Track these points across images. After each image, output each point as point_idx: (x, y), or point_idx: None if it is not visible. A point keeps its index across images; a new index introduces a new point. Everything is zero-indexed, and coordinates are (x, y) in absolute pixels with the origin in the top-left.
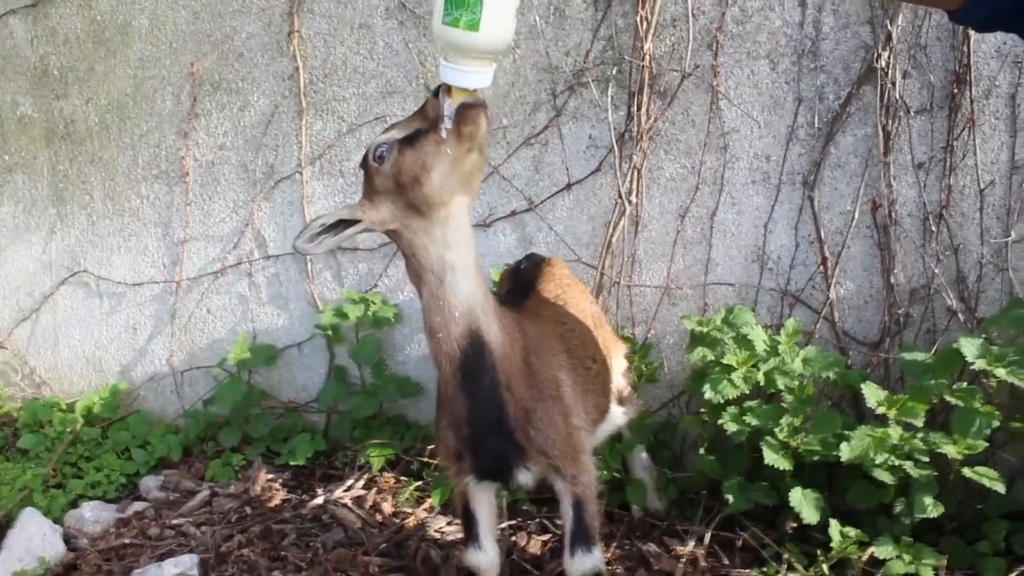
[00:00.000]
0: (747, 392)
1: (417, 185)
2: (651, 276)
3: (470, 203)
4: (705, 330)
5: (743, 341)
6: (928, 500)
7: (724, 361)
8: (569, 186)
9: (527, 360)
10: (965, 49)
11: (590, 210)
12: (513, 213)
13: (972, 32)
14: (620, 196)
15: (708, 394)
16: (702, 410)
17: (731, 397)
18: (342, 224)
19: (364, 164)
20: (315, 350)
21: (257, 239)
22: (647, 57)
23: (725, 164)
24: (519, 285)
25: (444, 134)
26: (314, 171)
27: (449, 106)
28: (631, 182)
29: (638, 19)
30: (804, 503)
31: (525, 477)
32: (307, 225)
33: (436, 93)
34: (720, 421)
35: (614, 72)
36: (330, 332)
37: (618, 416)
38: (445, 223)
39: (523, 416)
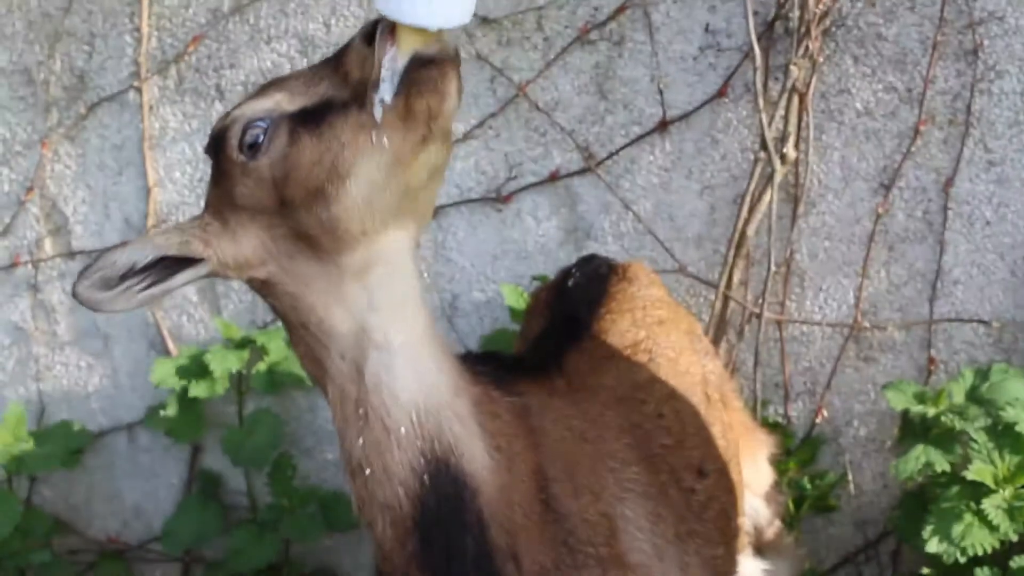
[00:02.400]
0: (1014, 540)
1: (320, 202)
2: (824, 303)
3: (416, 234)
4: (931, 412)
5: (1009, 435)
6: None
7: (968, 476)
8: (664, 125)
9: (545, 492)
10: None
11: (704, 172)
12: (554, 177)
13: None
14: (764, 146)
15: (934, 545)
16: (925, 572)
17: (984, 550)
18: (166, 264)
19: (215, 150)
20: (162, 439)
21: (51, 217)
22: None
23: (974, 84)
24: (564, 319)
25: (378, 112)
26: (165, 87)
27: (391, 61)
28: (786, 118)
29: None
30: None
31: None
32: (98, 259)
33: (367, 36)
34: None
35: None
36: (170, 410)
37: None
38: (366, 271)
39: None
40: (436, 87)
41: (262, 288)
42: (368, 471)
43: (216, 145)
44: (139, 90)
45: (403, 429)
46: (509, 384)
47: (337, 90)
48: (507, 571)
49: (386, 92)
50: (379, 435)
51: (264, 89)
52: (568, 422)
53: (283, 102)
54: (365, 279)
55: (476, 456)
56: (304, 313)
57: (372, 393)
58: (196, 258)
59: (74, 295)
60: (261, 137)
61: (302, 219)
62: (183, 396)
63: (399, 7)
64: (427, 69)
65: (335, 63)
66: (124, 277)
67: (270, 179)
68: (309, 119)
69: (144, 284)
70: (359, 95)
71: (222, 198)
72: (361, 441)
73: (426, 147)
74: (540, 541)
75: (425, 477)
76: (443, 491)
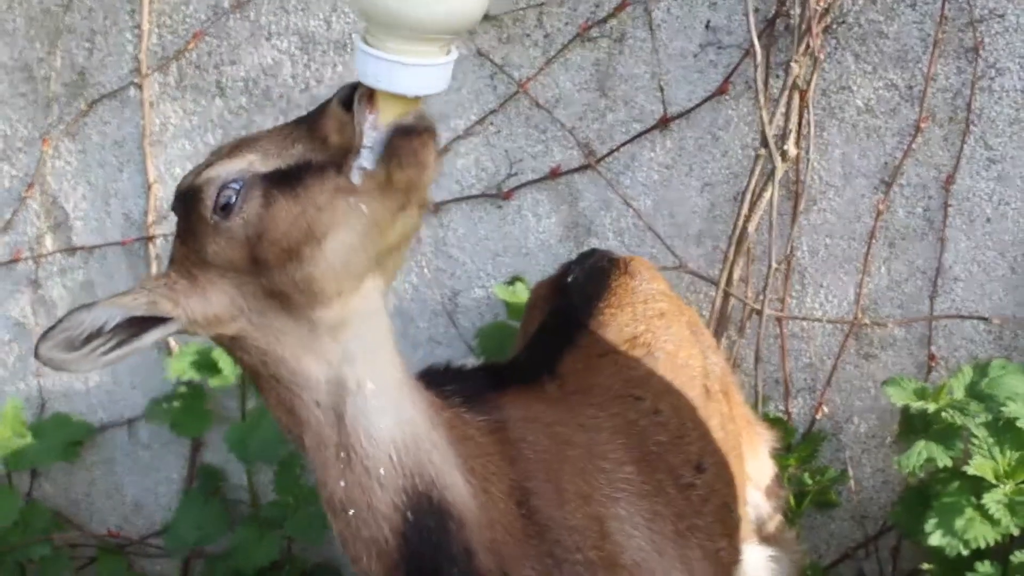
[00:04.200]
0: (1015, 534)
1: (294, 262)
2: (824, 300)
3: (387, 286)
4: (931, 407)
5: (1010, 431)
6: None
7: (969, 471)
8: (665, 122)
9: (525, 507)
10: None
11: (705, 169)
12: (555, 173)
13: None
14: (765, 143)
15: (936, 538)
16: (925, 567)
17: (985, 544)
18: (132, 323)
19: (184, 207)
20: (162, 434)
21: (51, 213)
22: None
23: (975, 81)
24: (563, 315)
25: (357, 178)
26: (166, 83)
27: (372, 127)
28: (787, 115)
29: None
30: None
31: None
32: (64, 319)
33: (346, 100)
34: None
35: None
36: (175, 405)
37: (758, 570)
38: (340, 327)
39: None
40: (417, 158)
41: (230, 343)
42: (351, 511)
43: (186, 204)
44: (140, 86)
45: (384, 468)
46: (486, 400)
47: (313, 153)
48: None
49: (366, 160)
50: (361, 476)
51: (235, 148)
52: (552, 430)
53: (256, 163)
54: (339, 334)
55: (456, 485)
56: (274, 366)
57: (351, 436)
58: (163, 318)
59: (36, 356)
60: (234, 198)
61: (275, 278)
62: (186, 390)
63: (380, 75)
64: (407, 140)
65: (310, 125)
66: (89, 338)
67: (243, 239)
68: (284, 181)
69: (110, 345)
70: (337, 159)
71: (190, 256)
72: (343, 483)
73: (401, 214)
74: (525, 557)
75: (408, 513)
76: (426, 524)
